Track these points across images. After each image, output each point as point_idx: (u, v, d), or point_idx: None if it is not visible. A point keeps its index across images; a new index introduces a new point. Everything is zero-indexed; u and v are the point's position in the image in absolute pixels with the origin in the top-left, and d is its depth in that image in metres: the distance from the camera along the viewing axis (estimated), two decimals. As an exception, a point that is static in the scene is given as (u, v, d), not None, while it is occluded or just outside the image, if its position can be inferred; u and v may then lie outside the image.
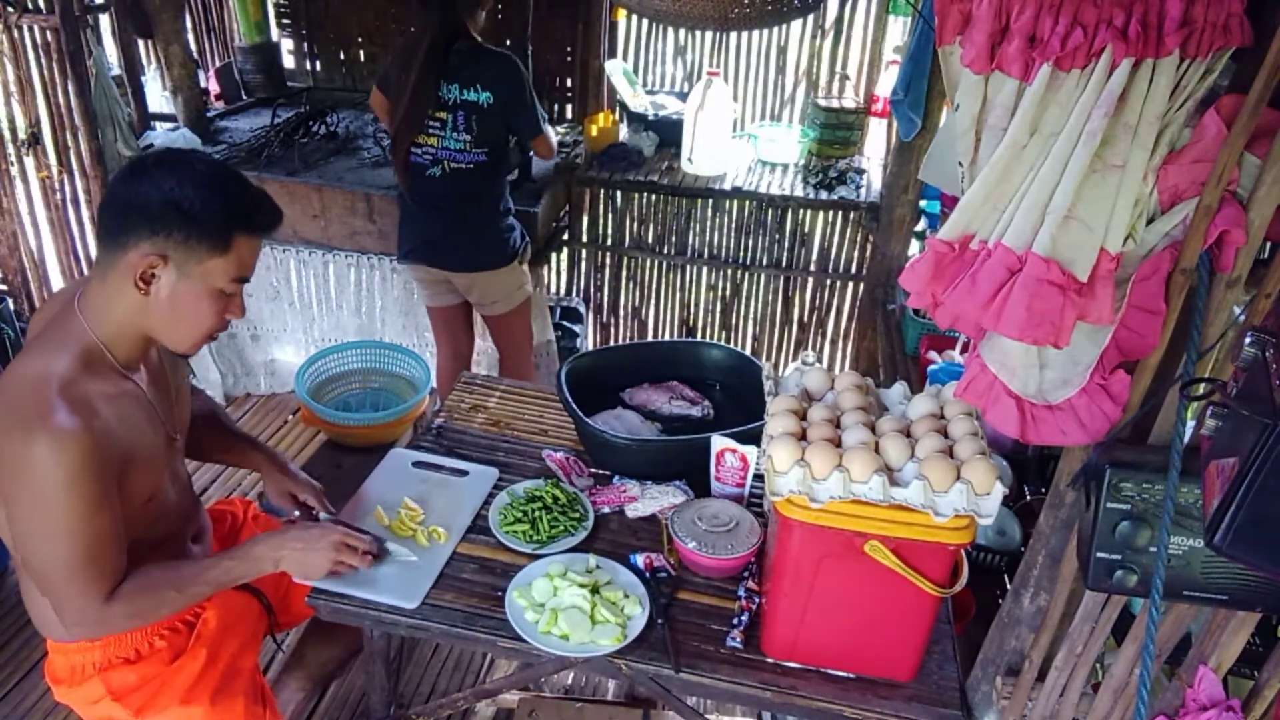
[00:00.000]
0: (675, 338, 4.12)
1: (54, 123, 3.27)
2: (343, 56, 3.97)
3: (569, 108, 3.91)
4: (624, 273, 4.09)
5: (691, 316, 4.13)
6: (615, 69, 3.72)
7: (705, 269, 3.97)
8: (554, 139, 2.92)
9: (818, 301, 3.99)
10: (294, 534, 1.62)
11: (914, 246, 3.26)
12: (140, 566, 1.50)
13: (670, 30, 3.81)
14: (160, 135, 3.47)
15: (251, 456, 1.89)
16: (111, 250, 1.41)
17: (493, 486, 1.93)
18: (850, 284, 3.91)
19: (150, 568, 1.52)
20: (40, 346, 1.44)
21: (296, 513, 1.85)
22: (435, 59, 2.65)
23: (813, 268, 3.89)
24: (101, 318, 1.45)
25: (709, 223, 3.86)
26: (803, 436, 1.45)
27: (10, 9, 3.05)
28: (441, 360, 3.20)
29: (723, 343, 3.54)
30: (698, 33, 3.79)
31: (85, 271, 3.51)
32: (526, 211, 3.10)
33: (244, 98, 3.84)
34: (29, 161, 3.41)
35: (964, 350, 2.59)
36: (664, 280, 4.09)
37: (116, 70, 3.37)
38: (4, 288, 3.55)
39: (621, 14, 3.73)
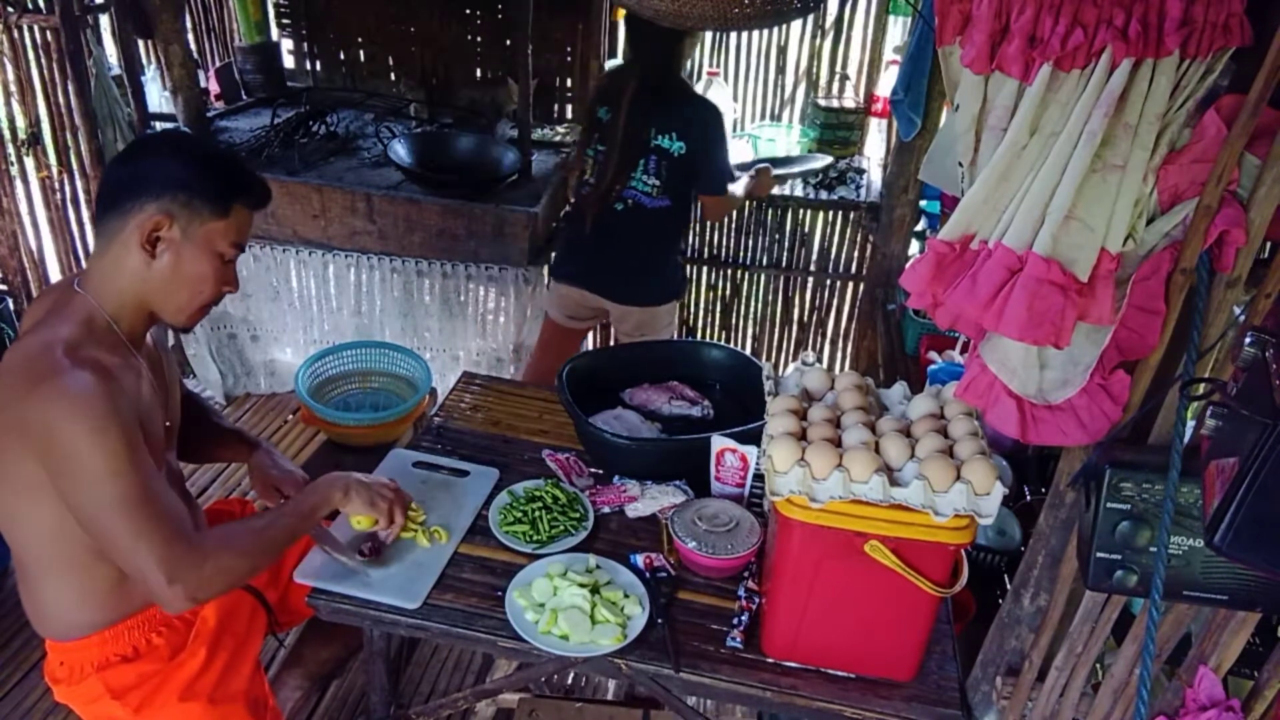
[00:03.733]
0: (675, 338, 4.12)
1: (54, 123, 3.27)
2: (343, 56, 3.96)
3: (569, 108, 3.90)
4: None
5: (691, 316, 4.12)
6: (615, 69, 3.72)
7: (705, 269, 3.97)
8: (730, 204, 2.90)
9: (818, 301, 3.99)
10: (358, 474, 1.69)
11: (914, 246, 3.26)
12: None
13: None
14: (160, 135, 3.47)
15: (239, 450, 1.90)
16: (114, 219, 1.46)
17: (493, 487, 1.93)
18: (850, 284, 3.90)
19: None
20: (44, 323, 1.47)
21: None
22: (646, 102, 2.62)
23: (813, 268, 3.89)
24: (105, 290, 1.49)
25: (709, 223, 3.86)
26: (803, 436, 1.45)
27: (10, 9, 3.04)
28: (538, 368, 3.20)
29: (723, 343, 3.54)
30: (697, 32, 3.78)
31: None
32: (526, 212, 3.10)
33: (244, 98, 3.83)
34: (29, 161, 3.41)
35: (964, 350, 2.59)
36: (664, 280, 4.09)
37: (116, 70, 3.36)
38: (4, 288, 3.54)
39: (621, 14, 3.73)
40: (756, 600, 1.68)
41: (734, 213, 3.77)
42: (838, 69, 3.74)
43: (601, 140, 2.71)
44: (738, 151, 3.69)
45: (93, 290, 1.50)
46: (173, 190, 1.45)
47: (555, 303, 3.09)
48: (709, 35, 3.80)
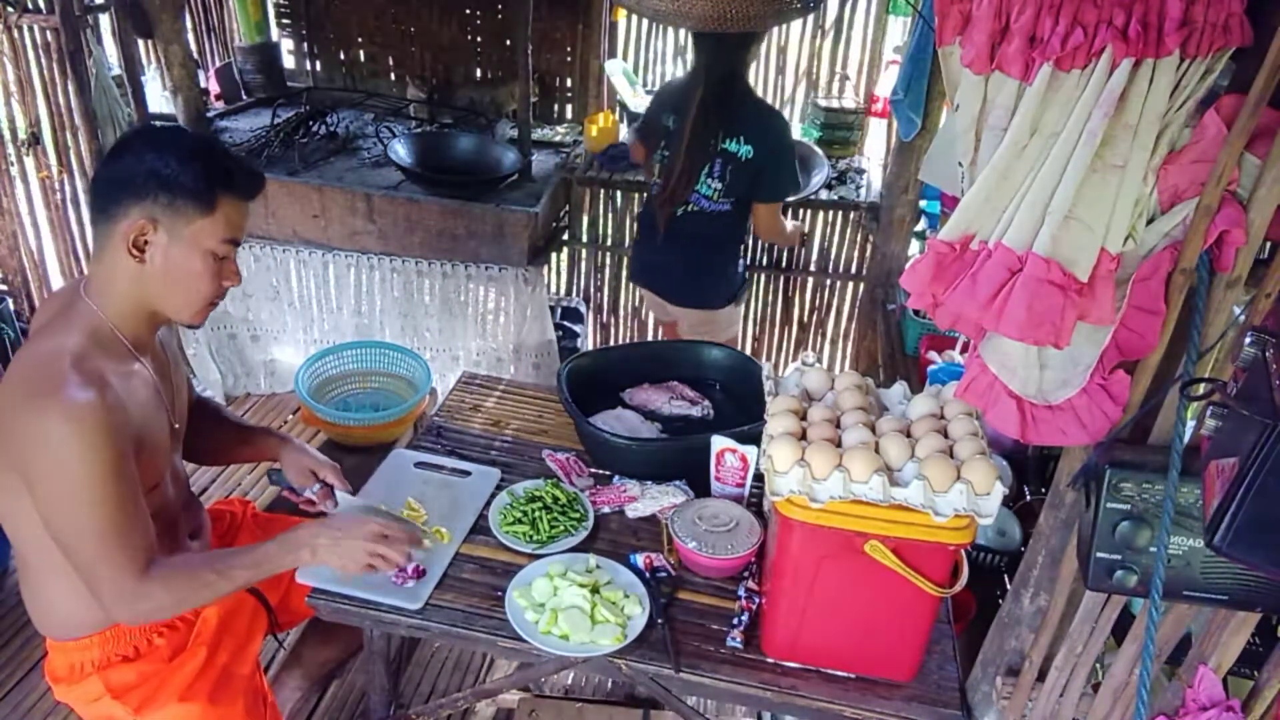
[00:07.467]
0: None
1: (54, 123, 3.27)
2: (343, 56, 3.97)
3: (569, 108, 3.90)
4: (624, 273, 4.09)
5: (691, 316, 4.12)
6: (615, 69, 3.72)
7: (705, 269, 3.96)
8: (788, 226, 2.93)
9: (818, 301, 3.98)
10: (334, 523, 1.60)
11: (914, 246, 3.26)
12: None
13: (670, 30, 3.81)
14: (160, 135, 3.47)
15: (267, 442, 1.89)
16: (104, 226, 1.45)
17: (494, 487, 1.93)
18: (850, 284, 3.90)
19: (186, 553, 1.52)
20: (49, 329, 1.47)
21: (316, 487, 1.81)
22: (711, 109, 2.64)
23: (813, 268, 3.89)
24: (107, 297, 1.49)
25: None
26: (803, 436, 1.45)
27: (10, 9, 3.04)
28: None
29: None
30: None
31: (85, 271, 3.52)
32: (526, 212, 3.10)
33: (244, 98, 3.83)
34: (29, 161, 3.41)
35: (964, 350, 2.59)
36: (664, 280, 4.08)
37: (116, 70, 3.36)
38: (4, 288, 3.54)
39: (621, 14, 3.73)
40: (756, 600, 1.68)
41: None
42: (838, 69, 3.74)
43: (668, 146, 2.75)
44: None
45: (95, 296, 1.49)
46: (154, 192, 1.42)
47: (646, 305, 3.20)
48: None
